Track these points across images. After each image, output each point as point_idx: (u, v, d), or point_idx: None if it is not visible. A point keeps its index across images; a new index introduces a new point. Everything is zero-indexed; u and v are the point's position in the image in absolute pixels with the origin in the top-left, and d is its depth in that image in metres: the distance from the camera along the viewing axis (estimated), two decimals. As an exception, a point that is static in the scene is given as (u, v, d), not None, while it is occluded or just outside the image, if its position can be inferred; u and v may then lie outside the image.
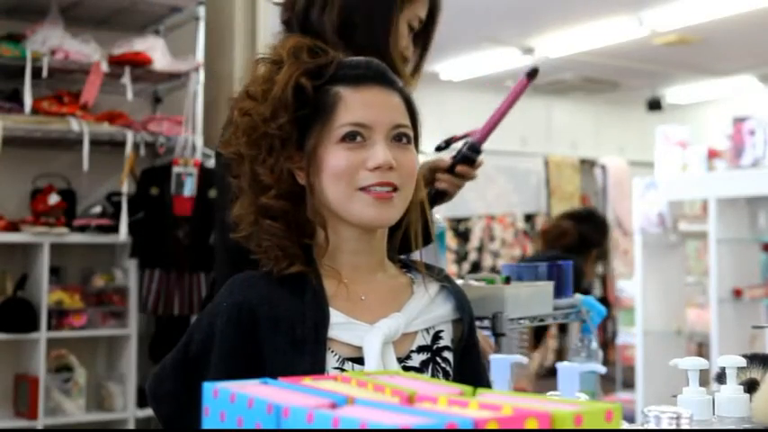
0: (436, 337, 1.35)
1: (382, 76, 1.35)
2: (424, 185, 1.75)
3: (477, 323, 1.78)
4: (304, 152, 1.31)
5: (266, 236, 1.32)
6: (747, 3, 5.47)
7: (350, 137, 1.29)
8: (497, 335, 1.74)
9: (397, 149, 1.30)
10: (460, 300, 1.40)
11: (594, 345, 1.89)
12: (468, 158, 1.76)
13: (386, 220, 1.32)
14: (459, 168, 1.76)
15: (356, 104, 1.30)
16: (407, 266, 1.42)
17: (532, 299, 1.83)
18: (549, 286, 1.87)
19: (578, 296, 1.96)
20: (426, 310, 1.35)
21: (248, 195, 1.33)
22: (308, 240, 1.35)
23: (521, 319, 1.80)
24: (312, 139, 1.31)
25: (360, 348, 1.27)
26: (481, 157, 1.79)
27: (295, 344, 1.25)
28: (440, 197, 1.78)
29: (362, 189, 1.29)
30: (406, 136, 1.33)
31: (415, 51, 1.78)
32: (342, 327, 1.29)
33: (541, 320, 1.85)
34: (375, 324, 1.29)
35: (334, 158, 1.29)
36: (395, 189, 1.30)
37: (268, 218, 1.32)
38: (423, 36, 1.79)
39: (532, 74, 1.69)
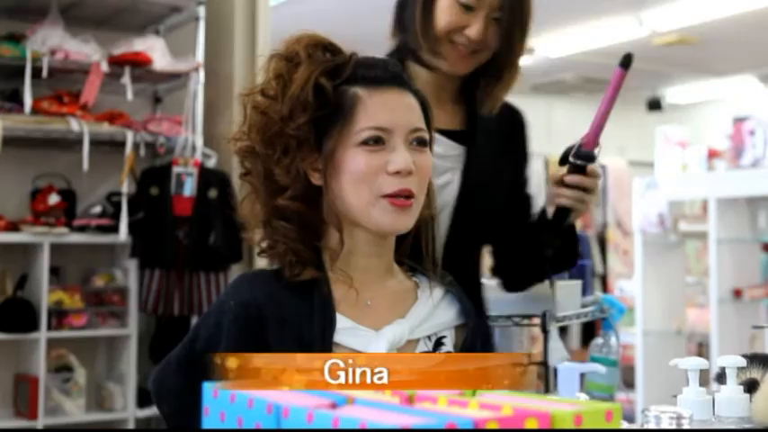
0: (438, 343, 1.35)
1: (399, 78, 1.34)
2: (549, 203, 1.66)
3: (527, 321, 1.84)
4: (320, 153, 1.30)
5: (279, 238, 1.32)
6: (747, 3, 5.48)
7: (371, 141, 1.28)
8: (546, 332, 1.81)
9: (414, 153, 1.30)
10: (465, 305, 1.40)
11: (614, 341, 1.92)
12: (577, 167, 1.61)
13: (402, 228, 1.32)
14: (569, 179, 1.61)
15: (376, 107, 1.29)
16: (413, 269, 1.42)
17: (570, 297, 1.91)
18: (578, 285, 1.95)
19: (599, 294, 2.04)
20: (430, 317, 1.35)
21: (260, 194, 1.33)
22: (317, 243, 1.35)
23: (564, 316, 1.89)
24: (331, 142, 1.29)
25: None
26: (596, 165, 1.63)
27: (301, 346, 1.25)
28: (565, 213, 1.64)
29: (383, 196, 1.28)
30: (422, 140, 1.33)
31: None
32: (348, 332, 1.29)
33: (577, 318, 1.94)
34: (380, 331, 1.30)
35: (354, 162, 1.28)
36: (411, 195, 1.30)
37: (281, 219, 1.32)
38: (501, 20, 1.63)
39: (626, 62, 1.55)
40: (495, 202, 1.73)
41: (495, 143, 1.74)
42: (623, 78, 1.56)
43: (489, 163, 1.72)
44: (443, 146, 1.68)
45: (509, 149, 1.78)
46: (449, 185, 1.69)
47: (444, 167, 1.68)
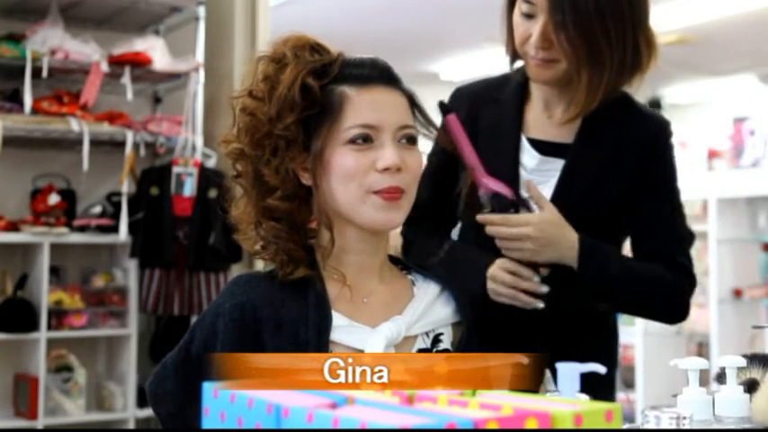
0: (436, 340, 1.35)
1: (387, 76, 1.35)
2: None
3: None
4: (309, 153, 1.31)
5: (270, 238, 1.32)
6: (747, 3, 5.47)
7: (359, 139, 1.29)
8: None
9: (404, 150, 1.30)
10: (461, 302, 1.40)
11: None
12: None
13: (394, 224, 1.33)
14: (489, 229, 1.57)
15: (363, 105, 1.30)
16: (408, 268, 1.42)
17: None
18: None
19: None
20: (426, 314, 1.35)
21: (251, 196, 1.33)
22: (310, 241, 1.35)
23: None
24: (319, 141, 1.30)
25: (361, 351, 1.27)
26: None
27: (297, 346, 1.25)
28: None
29: (373, 192, 1.29)
30: (412, 137, 1.33)
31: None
32: (344, 330, 1.29)
33: None
34: (377, 328, 1.30)
35: (343, 160, 1.29)
36: (402, 192, 1.30)
37: (272, 219, 1.32)
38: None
39: (445, 109, 1.56)
40: (590, 231, 1.60)
41: (608, 161, 1.63)
42: (458, 120, 1.55)
43: (589, 182, 1.62)
44: (534, 159, 1.65)
45: (630, 171, 1.64)
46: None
47: (533, 181, 1.62)
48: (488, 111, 1.70)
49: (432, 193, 1.74)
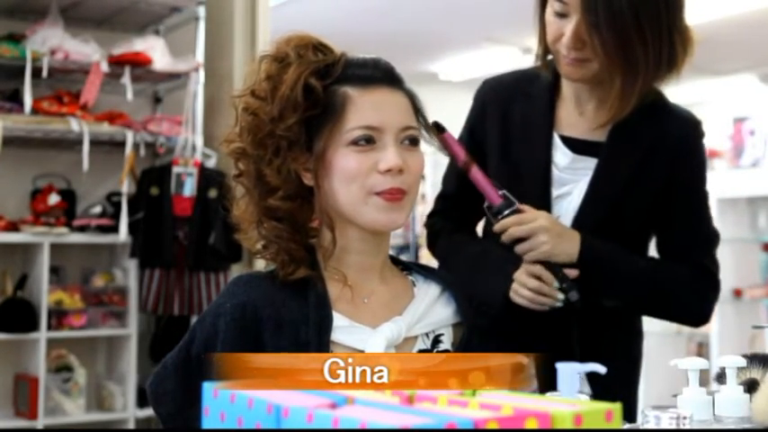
0: (436, 340, 1.35)
1: (390, 76, 1.34)
2: None
3: None
4: (311, 153, 1.31)
5: (272, 238, 1.32)
6: (747, 3, 5.47)
7: (361, 140, 1.29)
8: None
9: (406, 152, 1.30)
10: (462, 303, 1.40)
11: None
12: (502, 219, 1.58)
13: (395, 225, 1.32)
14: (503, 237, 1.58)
15: (366, 106, 1.30)
16: (408, 268, 1.42)
17: None
18: None
19: None
20: (427, 314, 1.35)
21: (252, 195, 1.33)
22: (311, 241, 1.35)
23: None
24: (321, 142, 1.30)
25: (362, 352, 1.27)
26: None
27: (298, 346, 1.25)
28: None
29: (375, 194, 1.29)
30: (414, 138, 1.33)
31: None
32: (344, 330, 1.29)
33: None
34: (377, 328, 1.30)
35: (345, 161, 1.29)
36: (403, 194, 1.30)
37: (273, 219, 1.32)
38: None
39: (441, 128, 1.53)
40: (622, 231, 1.61)
41: (642, 160, 1.62)
42: (454, 139, 1.56)
43: (622, 182, 1.61)
44: (567, 157, 1.63)
45: (663, 171, 1.64)
46: (566, 198, 1.63)
47: (564, 179, 1.63)
48: (519, 105, 1.68)
49: (456, 185, 1.74)
